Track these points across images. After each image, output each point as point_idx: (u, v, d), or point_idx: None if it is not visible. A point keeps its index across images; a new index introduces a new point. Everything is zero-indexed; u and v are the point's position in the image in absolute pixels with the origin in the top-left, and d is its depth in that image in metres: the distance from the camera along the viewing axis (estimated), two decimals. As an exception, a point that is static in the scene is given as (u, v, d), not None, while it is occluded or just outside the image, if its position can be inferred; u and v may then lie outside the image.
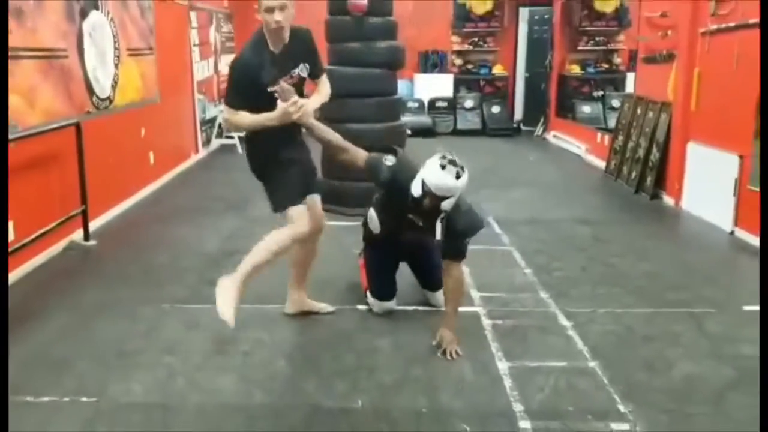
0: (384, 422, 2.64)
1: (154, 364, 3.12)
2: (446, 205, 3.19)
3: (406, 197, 3.24)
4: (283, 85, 3.09)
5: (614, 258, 4.82)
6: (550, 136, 10.94)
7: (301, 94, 3.22)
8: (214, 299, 3.84)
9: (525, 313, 3.76)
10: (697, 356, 3.26)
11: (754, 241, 5.13)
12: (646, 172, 6.91)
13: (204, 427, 2.62)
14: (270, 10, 3.04)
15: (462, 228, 3.30)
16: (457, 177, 3.13)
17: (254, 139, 3.32)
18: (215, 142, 9.58)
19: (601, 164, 8.24)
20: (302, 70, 3.23)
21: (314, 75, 3.33)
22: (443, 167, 3.12)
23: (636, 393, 2.88)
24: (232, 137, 9.45)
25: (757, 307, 3.84)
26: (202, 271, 4.43)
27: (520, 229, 5.50)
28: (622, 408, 2.75)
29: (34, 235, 4.34)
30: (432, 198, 3.16)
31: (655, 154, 6.79)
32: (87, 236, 5.01)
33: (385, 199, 3.55)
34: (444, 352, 3.21)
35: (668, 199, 6.55)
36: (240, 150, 9.33)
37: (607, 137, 8.37)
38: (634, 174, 7.15)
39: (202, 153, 9.05)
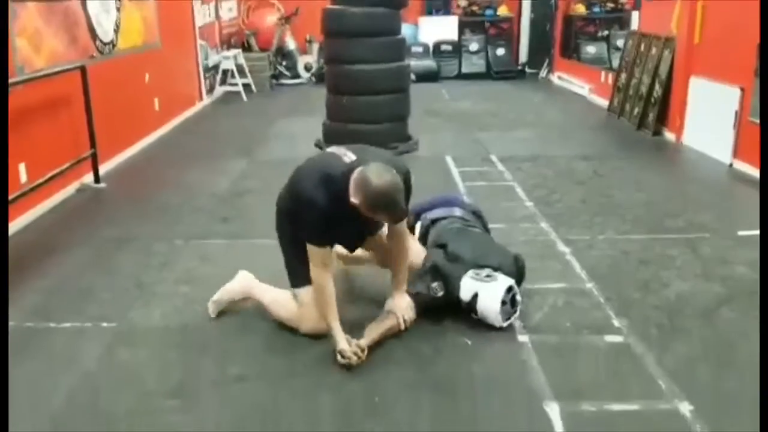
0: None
1: (171, 293, 3.27)
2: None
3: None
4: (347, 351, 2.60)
5: (613, 190, 4.92)
6: (554, 77, 10.90)
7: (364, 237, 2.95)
8: (226, 235, 4.02)
9: (526, 241, 3.87)
10: (690, 277, 3.38)
11: (752, 172, 5.21)
12: (649, 109, 6.94)
13: (226, 342, 2.78)
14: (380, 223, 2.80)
15: None
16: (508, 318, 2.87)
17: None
18: (219, 90, 9.61)
19: (605, 103, 8.25)
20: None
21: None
22: (503, 303, 2.82)
23: (630, 310, 3.02)
24: (236, 84, 9.49)
25: (751, 232, 3.97)
26: (214, 210, 4.56)
27: (522, 166, 5.58)
28: (616, 323, 2.89)
29: (45, 177, 4.45)
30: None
31: (657, 91, 6.80)
32: (97, 179, 5.14)
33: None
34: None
35: (669, 135, 6.60)
36: (244, 98, 9.39)
37: (610, 76, 8.36)
38: (636, 111, 7.18)
39: (207, 101, 9.09)
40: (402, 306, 2.84)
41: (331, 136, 6.31)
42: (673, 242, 3.85)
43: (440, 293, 2.90)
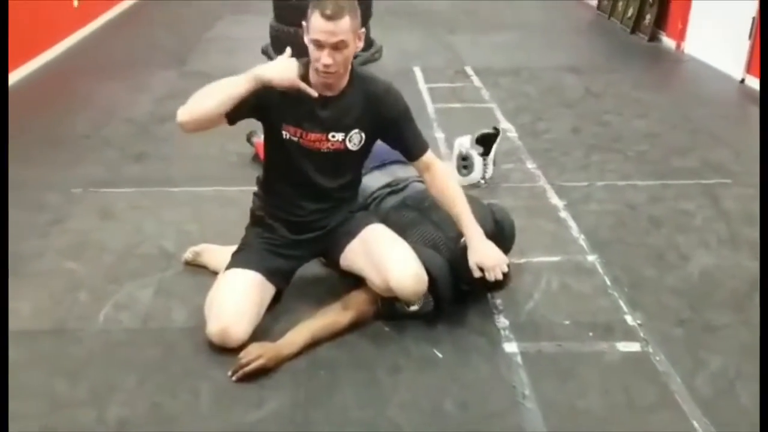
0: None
1: (53, 271, 2.51)
2: None
3: None
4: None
5: (608, 115, 4.20)
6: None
7: (339, 167, 2.18)
8: (137, 181, 3.24)
9: (509, 189, 3.16)
10: (714, 243, 2.73)
11: (769, 91, 4.50)
12: (645, 9, 6.15)
13: (109, 361, 2.04)
14: (318, 44, 1.93)
15: None
16: None
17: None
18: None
19: (594, 1, 7.35)
20: (351, 140, 2.11)
21: (409, 156, 2.19)
22: None
23: (645, 297, 2.36)
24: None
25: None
26: (127, 144, 3.75)
27: (501, 81, 4.80)
28: (629, 320, 2.23)
29: None
30: None
31: (656, -12, 5.97)
32: (-9, 100, 4.22)
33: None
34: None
35: (669, 42, 5.82)
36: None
37: (600, -32, 7.41)
38: (630, 12, 6.35)
39: (141, -7, 7.94)
40: (490, 255, 2.06)
41: (279, 42, 5.39)
42: (687, 190, 3.18)
43: (432, 305, 2.18)
